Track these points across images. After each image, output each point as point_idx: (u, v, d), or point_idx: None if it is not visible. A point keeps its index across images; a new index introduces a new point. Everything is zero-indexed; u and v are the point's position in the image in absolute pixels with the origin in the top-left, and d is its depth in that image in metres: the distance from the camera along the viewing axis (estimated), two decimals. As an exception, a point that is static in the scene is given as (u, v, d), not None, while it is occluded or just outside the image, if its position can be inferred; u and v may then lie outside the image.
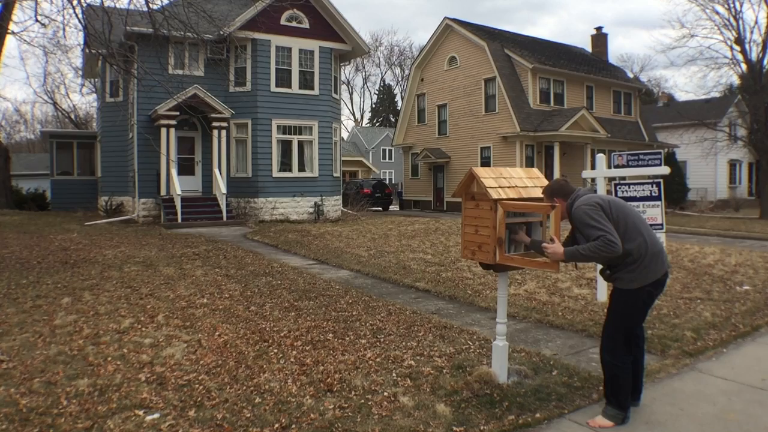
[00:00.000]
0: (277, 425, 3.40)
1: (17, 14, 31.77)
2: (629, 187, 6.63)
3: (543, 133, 23.73)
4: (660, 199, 6.41)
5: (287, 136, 19.59)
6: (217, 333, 5.34)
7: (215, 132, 18.28)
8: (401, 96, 45.34)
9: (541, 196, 3.86)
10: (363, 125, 68.44)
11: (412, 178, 31.26)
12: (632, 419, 3.57)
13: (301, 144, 19.83)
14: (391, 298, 7.16)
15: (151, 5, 9.92)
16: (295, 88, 19.59)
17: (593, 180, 8.11)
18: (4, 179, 22.83)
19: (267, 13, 18.00)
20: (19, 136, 57.13)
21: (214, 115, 18.04)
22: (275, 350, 4.81)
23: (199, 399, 3.77)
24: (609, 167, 6.92)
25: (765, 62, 23.39)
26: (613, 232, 3.35)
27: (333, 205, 20.65)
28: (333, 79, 20.76)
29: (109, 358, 4.55)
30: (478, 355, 4.71)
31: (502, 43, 26.35)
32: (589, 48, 33.84)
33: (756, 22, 29.59)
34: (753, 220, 21.83)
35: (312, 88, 19.94)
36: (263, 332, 5.37)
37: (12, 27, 15.52)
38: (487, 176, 3.73)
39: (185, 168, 18.77)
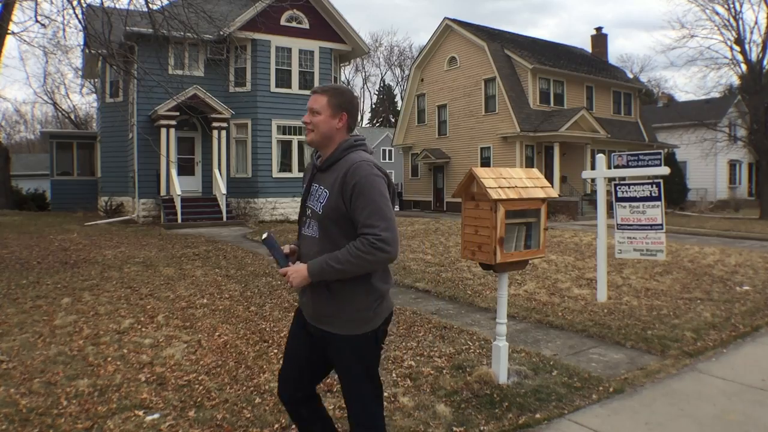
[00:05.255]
0: (276, 425, 3.39)
1: (17, 14, 31.78)
2: (629, 188, 6.63)
3: (543, 134, 23.73)
4: (660, 200, 6.41)
5: (287, 137, 19.60)
6: (217, 333, 5.34)
7: (215, 132, 18.28)
8: (401, 96, 45.37)
9: (543, 196, 3.86)
10: (363, 125, 68.42)
11: (411, 178, 31.25)
12: (633, 419, 3.57)
13: (301, 144, 19.82)
14: (391, 298, 7.14)
15: (151, 5, 9.93)
16: (295, 88, 19.60)
17: (593, 180, 8.11)
18: (4, 179, 22.84)
19: (267, 14, 18.01)
20: (19, 137, 57.25)
21: (214, 116, 18.05)
22: (275, 350, 4.81)
23: (199, 399, 3.76)
24: (609, 168, 6.93)
25: (765, 63, 23.45)
26: None
27: (333, 205, 20.62)
28: (333, 80, 20.76)
29: (109, 359, 4.55)
30: (478, 355, 4.71)
31: (502, 43, 26.35)
32: (589, 48, 33.85)
33: (756, 23, 29.77)
34: (753, 220, 21.84)
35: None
36: (263, 332, 5.37)
37: (12, 27, 15.51)
38: (487, 176, 3.73)
39: (185, 168, 18.78)
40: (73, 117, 43.43)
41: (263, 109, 19.04)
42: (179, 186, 17.00)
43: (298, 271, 2.26)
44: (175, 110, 17.00)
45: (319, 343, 2.41)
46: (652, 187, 6.43)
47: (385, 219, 2.17)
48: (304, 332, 2.48)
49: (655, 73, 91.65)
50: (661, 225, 6.39)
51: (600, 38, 33.35)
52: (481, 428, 3.40)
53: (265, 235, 2.44)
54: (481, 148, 26.06)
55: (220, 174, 18.02)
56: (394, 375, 4.24)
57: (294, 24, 19.57)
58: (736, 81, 30.68)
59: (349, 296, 2.28)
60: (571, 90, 26.54)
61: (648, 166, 6.46)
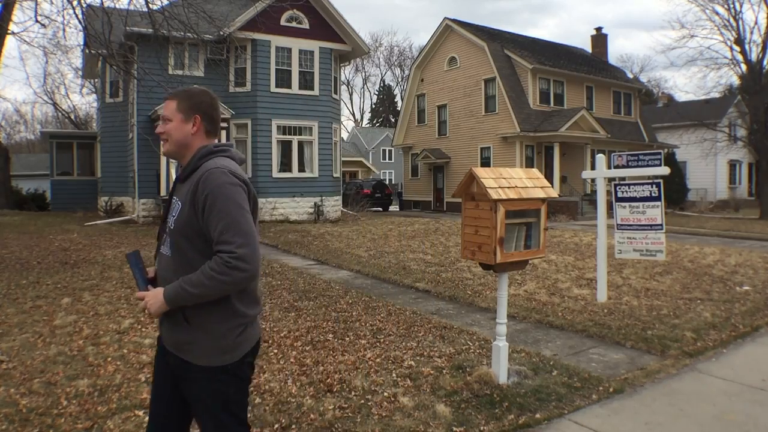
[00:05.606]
0: (276, 425, 3.40)
1: (17, 14, 31.78)
2: (629, 188, 6.63)
3: (543, 134, 23.73)
4: (660, 200, 6.41)
5: (287, 137, 19.60)
6: (217, 333, 5.33)
7: (215, 132, 18.26)
8: (401, 96, 45.37)
9: (543, 196, 3.85)
10: (363, 126, 68.44)
11: (411, 178, 31.26)
12: (633, 419, 3.57)
13: (301, 144, 19.83)
14: (391, 298, 7.16)
15: (151, 5, 9.93)
16: (295, 88, 19.59)
17: (593, 180, 8.11)
18: (4, 179, 22.82)
19: (267, 14, 18.01)
20: (19, 137, 57.23)
21: (214, 116, 18.03)
22: (275, 350, 4.81)
23: (199, 399, 3.76)
24: (609, 168, 6.93)
25: (765, 63, 23.45)
26: None
27: (333, 205, 20.65)
28: (333, 80, 20.76)
29: (109, 359, 4.55)
30: (478, 355, 4.71)
31: (502, 43, 26.36)
32: (589, 49, 33.85)
33: (756, 23, 29.81)
34: (753, 220, 21.84)
35: (312, 89, 19.94)
36: (263, 332, 5.37)
37: (12, 27, 15.53)
38: (487, 176, 3.73)
39: (185, 168, 18.76)
40: (73, 117, 43.43)
41: (263, 109, 19.04)
42: (179, 186, 16.99)
43: (156, 296, 1.99)
44: (175, 110, 16.98)
45: (177, 372, 2.10)
46: (652, 187, 6.43)
47: (241, 234, 1.90)
48: (165, 362, 2.16)
49: (655, 73, 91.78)
50: (661, 225, 6.39)
51: (600, 38, 33.35)
52: (481, 428, 3.41)
53: (129, 251, 2.21)
54: (481, 148, 26.06)
55: (220, 174, 18.01)
56: (394, 375, 4.24)
57: (294, 24, 19.57)
58: (736, 81, 30.73)
59: (205, 322, 2.00)
60: (571, 90, 26.55)
61: (648, 166, 6.46)
